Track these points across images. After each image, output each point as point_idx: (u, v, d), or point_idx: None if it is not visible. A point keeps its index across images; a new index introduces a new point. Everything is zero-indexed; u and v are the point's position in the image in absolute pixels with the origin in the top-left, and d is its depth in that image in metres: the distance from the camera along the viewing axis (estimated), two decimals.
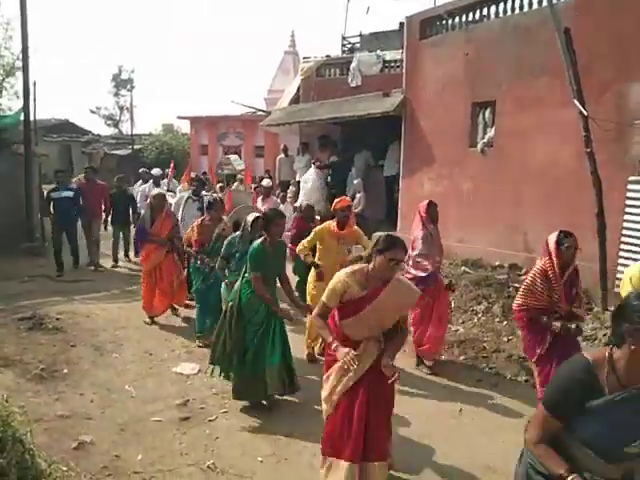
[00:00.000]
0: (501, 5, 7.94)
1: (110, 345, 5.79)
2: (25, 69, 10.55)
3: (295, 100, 14.19)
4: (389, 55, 12.10)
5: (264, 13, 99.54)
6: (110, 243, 9.95)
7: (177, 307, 6.96)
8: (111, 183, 10.29)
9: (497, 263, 7.68)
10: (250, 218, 5.17)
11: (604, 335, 4.99)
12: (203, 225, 6.13)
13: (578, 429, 1.89)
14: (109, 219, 9.84)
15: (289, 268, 5.50)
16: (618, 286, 6.24)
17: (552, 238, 4.03)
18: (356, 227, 5.68)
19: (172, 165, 12.22)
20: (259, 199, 9.12)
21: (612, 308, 5.43)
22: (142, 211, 9.59)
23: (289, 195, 11.99)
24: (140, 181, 11.38)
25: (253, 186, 11.58)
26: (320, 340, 5.37)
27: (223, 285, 5.45)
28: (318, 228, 5.64)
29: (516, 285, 6.93)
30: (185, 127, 26.08)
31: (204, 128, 21.04)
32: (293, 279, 6.07)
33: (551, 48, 5.88)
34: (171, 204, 7.68)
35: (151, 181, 10.44)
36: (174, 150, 25.18)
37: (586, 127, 5.47)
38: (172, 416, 4.26)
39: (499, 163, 7.86)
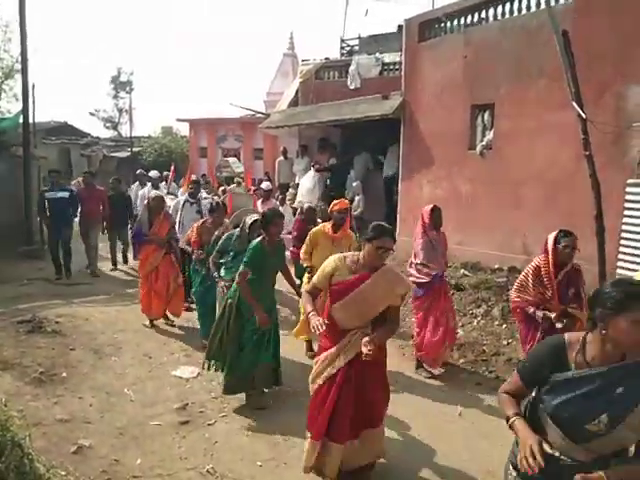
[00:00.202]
0: (499, 8, 7.95)
1: (109, 348, 5.78)
2: (24, 72, 10.56)
3: (294, 103, 14.20)
4: (388, 58, 12.11)
5: (262, 14, 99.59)
6: (108, 247, 9.90)
7: (172, 318, 6.77)
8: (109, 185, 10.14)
9: (496, 266, 7.68)
10: (249, 220, 5.16)
11: None
12: (203, 227, 6.12)
13: (545, 401, 2.00)
14: (106, 224, 9.66)
15: (291, 271, 5.48)
16: None
17: (551, 236, 4.12)
18: (349, 231, 5.70)
19: (173, 168, 12.12)
20: (259, 202, 9.10)
21: None
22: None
23: (288, 197, 11.99)
24: (137, 182, 11.27)
25: (252, 188, 11.57)
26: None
27: (218, 288, 5.38)
28: (312, 231, 5.64)
29: None
30: (184, 129, 26.08)
31: (203, 130, 21.04)
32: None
33: (549, 50, 5.88)
34: (169, 206, 7.65)
35: (150, 184, 10.31)
36: (173, 153, 25.15)
37: (585, 130, 5.46)
38: (171, 420, 4.25)
39: (498, 166, 7.86)
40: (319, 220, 6.70)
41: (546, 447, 1.92)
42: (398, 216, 9.86)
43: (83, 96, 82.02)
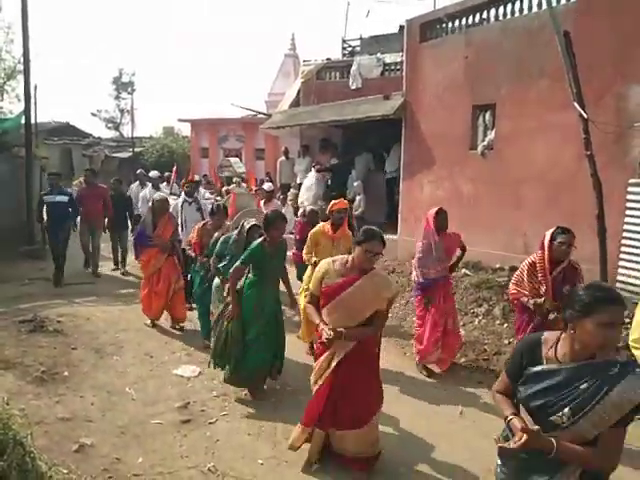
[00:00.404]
0: (501, 8, 7.94)
1: (110, 347, 5.79)
2: (26, 73, 10.58)
3: (295, 103, 14.21)
4: (389, 58, 12.11)
5: (264, 14, 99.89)
6: (109, 247, 9.74)
7: (179, 324, 6.63)
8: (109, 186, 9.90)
9: (497, 266, 7.68)
10: (247, 225, 5.15)
11: None
12: (204, 229, 6.10)
13: (520, 392, 2.14)
14: (108, 223, 9.42)
15: (292, 272, 5.49)
16: (618, 288, 6.26)
17: (548, 233, 4.25)
18: (348, 230, 5.71)
19: (175, 169, 12.08)
20: (261, 203, 9.07)
21: None
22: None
23: (290, 198, 12.00)
24: (137, 182, 11.14)
25: (254, 189, 11.56)
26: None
27: (214, 287, 5.41)
28: (312, 232, 5.64)
29: None
30: (186, 130, 26.15)
31: (205, 131, 21.08)
32: (296, 285, 6.06)
33: (551, 51, 5.88)
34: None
35: (150, 185, 10.16)
36: (175, 153, 25.19)
37: (586, 130, 5.47)
38: (172, 419, 4.26)
39: (499, 166, 7.86)
40: (321, 222, 6.69)
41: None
42: (399, 216, 9.86)
43: (85, 97, 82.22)
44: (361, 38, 15.14)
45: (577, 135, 5.64)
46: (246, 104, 17.95)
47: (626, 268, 6.30)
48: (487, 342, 5.95)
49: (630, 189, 6.28)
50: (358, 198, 10.73)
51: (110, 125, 42.74)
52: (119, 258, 9.74)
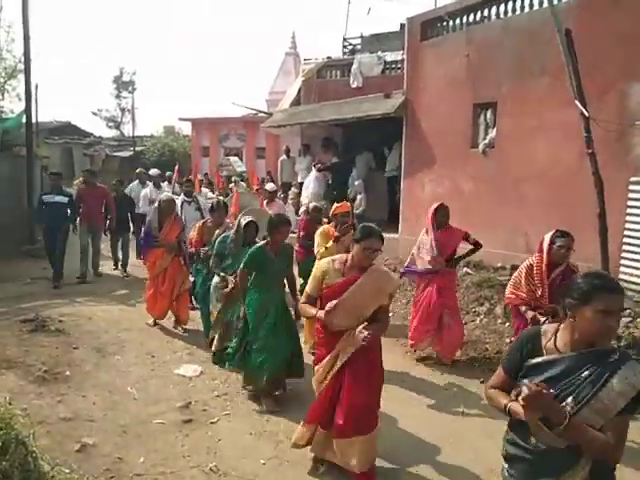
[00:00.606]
0: (502, 6, 7.93)
1: (112, 347, 5.79)
2: (27, 72, 10.59)
3: (296, 102, 14.20)
4: (390, 56, 12.10)
5: (264, 13, 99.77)
6: (109, 246, 9.52)
7: (182, 326, 6.57)
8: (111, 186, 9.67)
9: (499, 264, 7.68)
10: (243, 221, 5.14)
11: None
12: (204, 227, 6.08)
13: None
14: (109, 224, 9.15)
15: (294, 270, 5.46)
16: None
17: (548, 236, 4.17)
18: (352, 232, 5.65)
19: (177, 168, 11.95)
20: (264, 203, 8.99)
21: None
22: (147, 215, 9.43)
23: (291, 197, 11.99)
24: (137, 181, 10.85)
25: (255, 187, 11.54)
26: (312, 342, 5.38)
27: (212, 287, 5.39)
28: (320, 231, 5.58)
29: None
30: (186, 129, 26.14)
31: (205, 130, 21.06)
32: (298, 282, 6.05)
33: (552, 49, 5.87)
34: None
35: (151, 184, 9.95)
36: (175, 152, 25.22)
37: (587, 128, 5.46)
38: (174, 418, 4.26)
39: (500, 164, 7.85)
40: (325, 220, 6.66)
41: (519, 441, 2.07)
42: (400, 215, 9.86)
43: (85, 96, 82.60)
44: (362, 36, 15.11)
45: (578, 133, 5.62)
46: (247, 103, 17.97)
47: (628, 267, 6.29)
48: (488, 341, 5.95)
49: (632, 187, 6.27)
50: (359, 197, 10.73)
51: (111, 124, 42.81)
52: (120, 261, 9.46)
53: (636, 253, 6.21)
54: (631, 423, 2.00)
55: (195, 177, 11.11)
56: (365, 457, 3.34)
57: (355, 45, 15.29)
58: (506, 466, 2.22)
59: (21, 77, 12.46)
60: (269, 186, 9.37)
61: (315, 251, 5.56)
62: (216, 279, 5.36)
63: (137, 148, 26.74)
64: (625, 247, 6.33)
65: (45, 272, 8.97)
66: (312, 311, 3.38)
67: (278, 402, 4.53)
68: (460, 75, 8.38)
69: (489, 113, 8.22)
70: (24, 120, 10.80)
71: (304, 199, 11.07)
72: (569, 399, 1.94)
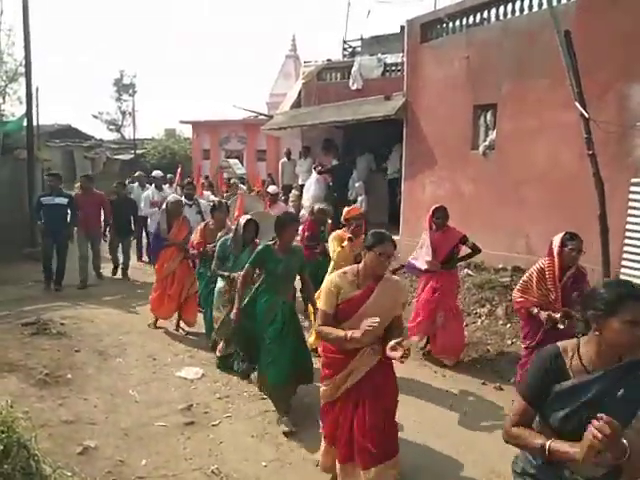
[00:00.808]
0: (501, 8, 7.93)
1: (114, 350, 5.80)
2: (28, 75, 10.61)
3: (296, 104, 14.20)
4: (390, 58, 12.10)
5: (264, 15, 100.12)
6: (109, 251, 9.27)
7: (186, 329, 6.59)
8: (113, 189, 9.55)
9: (500, 266, 7.67)
10: (243, 220, 5.12)
11: None
12: (207, 229, 6.03)
13: (549, 416, 1.93)
14: (107, 230, 8.96)
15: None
16: None
17: (557, 239, 4.11)
18: (363, 236, 5.56)
19: (180, 170, 11.85)
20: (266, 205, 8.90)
21: None
22: (149, 218, 9.37)
23: (291, 199, 11.99)
24: (137, 184, 10.82)
25: (256, 190, 11.52)
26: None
27: (216, 292, 5.32)
28: (334, 236, 5.42)
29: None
30: (187, 131, 26.17)
31: (206, 132, 21.10)
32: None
33: (552, 50, 5.87)
34: None
35: (153, 186, 9.83)
36: (176, 154, 25.25)
37: (587, 129, 5.46)
38: (176, 421, 4.26)
39: (501, 166, 7.85)
40: (329, 221, 6.62)
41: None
42: (401, 217, 9.85)
43: (86, 99, 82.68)
44: (362, 38, 15.13)
45: (579, 135, 5.62)
46: (247, 105, 17.99)
47: (629, 268, 6.28)
48: (490, 342, 5.94)
49: (632, 189, 6.26)
50: (360, 199, 10.72)
51: (112, 127, 42.88)
52: (119, 266, 9.30)
53: (637, 254, 6.20)
54: None
55: (197, 180, 10.99)
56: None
57: (355, 47, 15.31)
58: (530, 458, 2.02)
59: (22, 80, 12.51)
60: (271, 188, 9.28)
61: (331, 255, 5.40)
62: (220, 284, 5.29)
63: (138, 151, 26.79)
64: (626, 248, 6.32)
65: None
66: (339, 333, 3.03)
67: (294, 422, 4.25)
68: (460, 77, 8.38)
69: (489, 115, 8.22)
70: (25, 123, 10.82)
71: (305, 202, 11.06)
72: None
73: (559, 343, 2.00)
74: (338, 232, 5.49)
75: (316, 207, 6.54)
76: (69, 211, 8.33)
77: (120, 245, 9.20)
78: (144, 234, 10.29)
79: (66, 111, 78.57)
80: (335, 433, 3.28)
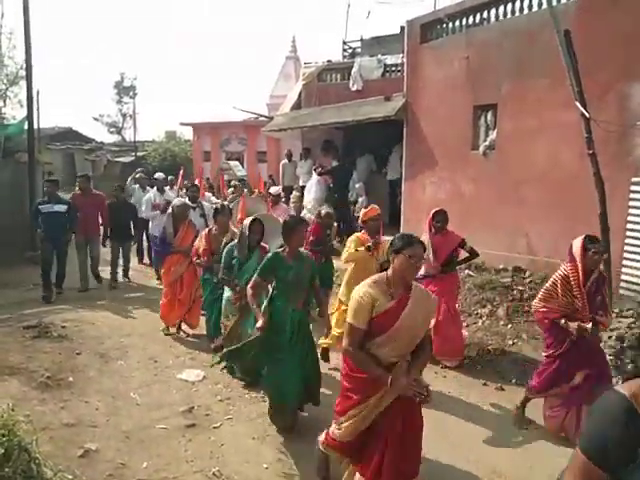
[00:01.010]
0: (501, 8, 7.94)
1: (115, 352, 5.80)
2: (28, 78, 10.64)
3: (297, 105, 14.22)
4: (390, 59, 12.11)
5: (264, 16, 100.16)
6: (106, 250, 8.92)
7: (188, 331, 6.60)
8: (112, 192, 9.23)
9: (501, 266, 7.66)
10: (247, 221, 5.08)
11: (609, 337, 4.98)
12: (211, 234, 5.93)
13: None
14: (107, 236, 8.70)
15: None
16: (622, 287, 6.24)
17: (577, 243, 3.92)
18: (384, 237, 5.31)
19: (182, 172, 11.74)
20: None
21: (616, 310, 5.41)
22: (150, 221, 9.29)
23: (292, 200, 11.97)
24: (137, 185, 10.57)
25: (256, 191, 11.50)
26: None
27: (225, 300, 5.23)
28: (353, 238, 5.27)
29: (520, 288, 6.92)
30: (188, 133, 26.20)
31: (207, 134, 21.10)
32: None
33: (552, 50, 5.87)
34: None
35: (155, 188, 9.53)
36: (177, 157, 25.26)
37: (588, 129, 5.46)
38: (177, 423, 4.26)
39: (501, 166, 7.85)
40: (334, 224, 6.53)
41: None
42: (402, 217, 9.86)
43: (87, 102, 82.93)
44: (362, 39, 15.13)
45: (579, 134, 5.63)
46: (247, 106, 18.00)
47: (630, 267, 6.28)
48: (491, 343, 5.93)
49: (633, 188, 6.26)
50: (360, 199, 10.73)
51: (112, 130, 43.00)
52: (123, 268, 9.16)
53: (638, 254, 6.19)
54: None
55: (200, 182, 10.89)
56: None
57: (355, 48, 15.32)
58: None
59: (23, 84, 12.57)
60: (274, 189, 9.14)
61: (343, 255, 5.28)
62: (228, 292, 5.17)
63: (139, 153, 26.84)
64: (627, 247, 6.32)
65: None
66: (377, 371, 2.81)
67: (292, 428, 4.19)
68: (460, 77, 8.39)
69: (489, 115, 8.22)
70: (26, 126, 10.84)
71: (307, 204, 11.05)
72: None
73: (621, 390, 1.51)
74: (358, 234, 5.38)
75: (323, 211, 6.34)
76: (69, 218, 8.05)
77: (120, 249, 8.99)
78: (144, 237, 10.26)
79: (67, 114, 78.72)
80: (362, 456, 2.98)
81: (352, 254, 5.14)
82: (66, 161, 25.60)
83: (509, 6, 7.80)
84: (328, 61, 13.85)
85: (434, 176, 9.04)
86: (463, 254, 5.74)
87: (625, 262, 6.32)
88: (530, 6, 7.52)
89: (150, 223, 9.09)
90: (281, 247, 4.29)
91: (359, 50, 14.94)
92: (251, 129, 19.04)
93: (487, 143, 8.14)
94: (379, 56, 12.38)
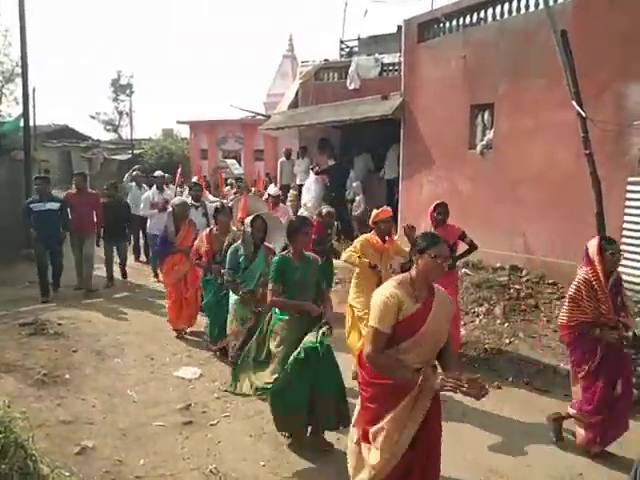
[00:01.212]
0: (498, 8, 7.95)
1: (111, 350, 5.79)
2: (24, 76, 10.59)
3: (294, 104, 14.20)
4: (387, 58, 12.11)
5: (262, 15, 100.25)
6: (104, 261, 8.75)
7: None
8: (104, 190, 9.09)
9: (498, 265, 7.68)
10: (248, 220, 5.03)
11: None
12: (212, 235, 5.79)
13: None
14: (100, 234, 8.43)
15: None
16: None
17: (593, 245, 3.83)
18: (395, 237, 5.20)
19: (180, 170, 11.65)
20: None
21: None
22: (149, 219, 9.24)
23: (289, 199, 11.98)
24: (134, 183, 10.52)
25: (253, 190, 11.50)
26: None
27: (232, 304, 5.02)
28: (360, 240, 5.06)
29: (517, 287, 6.94)
30: (185, 132, 26.19)
31: (204, 132, 21.09)
32: None
33: (548, 50, 5.89)
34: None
35: (155, 186, 9.50)
36: (174, 155, 25.24)
37: (584, 128, 5.48)
38: (174, 420, 4.26)
39: (498, 165, 7.87)
40: (336, 223, 6.43)
41: None
42: (399, 216, 9.86)
43: (83, 99, 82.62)
44: (359, 38, 15.14)
45: (576, 134, 5.64)
46: (245, 105, 17.96)
47: (626, 267, 6.29)
48: (488, 342, 5.94)
49: (629, 187, 6.29)
50: (358, 198, 10.74)
51: (109, 127, 42.92)
52: (118, 268, 8.97)
53: (635, 253, 6.22)
54: None
55: (201, 180, 10.79)
56: None
57: (352, 47, 15.33)
58: None
59: (19, 81, 12.52)
60: (273, 190, 9.02)
61: (343, 255, 5.12)
62: (234, 296, 4.96)
63: (135, 151, 26.79)
64: (624, 247, 6.32)
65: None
66: (408, 374, 2.64)
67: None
68: (457, 76, 8.40)
69: (486, 114, 8.23)
70: (22, 124, 10.79)
71: (307, 202, 11.04)
72: None
73: None
74: (366, 236, 5.14)
75: (324, 210, 6.17)
76: (62, 216, 7.86)
77: (116, 249, 8.84)
78: (141, 235, 10.23)
79: (63, 111, 78.64)
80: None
81: (353, 259, 4.96)
82: (62, 159, 25.51)
83: (506, 6, 7.82)
84: (325, 60, 13.84)
85: (431, 175, 9.05)
86: (461, 248, 5.65)
87: (622, 262, 6.33)
88: (527, 6, 7.54)
89: (148, 221, 9.06)
90: (285, 249, 4.19)
91: (356, 49, 14.96)
92: (248, 127, 19.06)
93: (484, 142, 8.15)
94: (376, 55, 12.37)
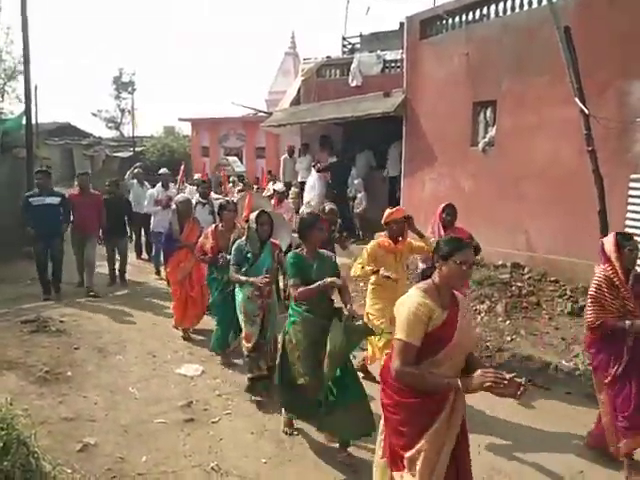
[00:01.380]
0: (501, 4, 7.92)
1: (113, 347, 5.79)
2: (26, 73, 10.58)
3: (296, 101, 14.19)
4: (389, 55, 12.08)
5: (264, 13, 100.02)
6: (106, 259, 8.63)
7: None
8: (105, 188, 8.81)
9: (500, 262, 7.67)
10: (253, 216, 4.94)
11: None
12: (218, 231, 5.72)
13: None
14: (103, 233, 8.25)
15: None
16: None
17: (609, 242, 3.72)
18: (408, 238, 4.90)
19: (183, 167, 11.66)
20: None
21: None
22: (152, 216, 9.21)
23: (291, 196, 11.95)
24: (135, 180, 10.41)
25: (255, 187, 11.49)
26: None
27: (239, 299, 4.74)
28: (371, 246, 4.79)
29: (518, 284, 6.93)
30: (186, 129, 26.16)
31: (205, 130, 21.08)
32: None
33: (551, 47, 5.87)
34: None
35: (160, 184, 9.32)
36: (175, 152, 25.24)
37: (587, 125, 5.46)
38: (176, 418, 4.26)
39: (500, 162, 7.85)
40: (339, 221, 6.31)
41: None
42: None
43: (85, 97, 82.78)
44: (361, 35, 15.10)
45: (578, 131, 5.62)
46: (247, 103, 17.94)
47: None
48: (490, 339, 5.94)
49: (632, 184, 6.27)
50: (359, 196, 10.72)
51: (111, 125, 42.93)
52: (119, 268, 8.73)
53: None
54: None
55: (206, 177, 10.74)
56: None
57: (354, 44, 15.28)
58: None
59: (21, 78, 12.51)
60: (278, 186, 8.96)
61: (354, 269, 4.86)
62: (241, 295, 4.70)
63: (137, 148, 26.78)
64: None
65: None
66: (443, 382, 2.45)
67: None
68: (460, 73, 8.37)
69: (489, 111, 8.21)
70: (24, 121, 10.79)
71: (311, 200, 11.01)
72: None
73: None
74: (378, 240, 4.86)
75: (327, 207, 5.96)
76: (62, 212, 7.67)
77: (116, 248, 8.62)
78: (143, 232, 10.22)
79: (65, 109, 78.72)
80: None
81: (357, 272, 4.75)
82: (64, 156, 25.53)
83: (509, 2, 7.79)
84: (327, 57, 13.81)
85: (433, 172, 9.03)
86: None
87: None
88: (530, 2, 7.50)
89: (152, 218, 9.03)
90: (289, 248, 4.15)
91: (358, 46, 14.91)
92: (250, 125, 19.04)
93: (486, 139, 8.13)
94: (378, 52, 12.34)
